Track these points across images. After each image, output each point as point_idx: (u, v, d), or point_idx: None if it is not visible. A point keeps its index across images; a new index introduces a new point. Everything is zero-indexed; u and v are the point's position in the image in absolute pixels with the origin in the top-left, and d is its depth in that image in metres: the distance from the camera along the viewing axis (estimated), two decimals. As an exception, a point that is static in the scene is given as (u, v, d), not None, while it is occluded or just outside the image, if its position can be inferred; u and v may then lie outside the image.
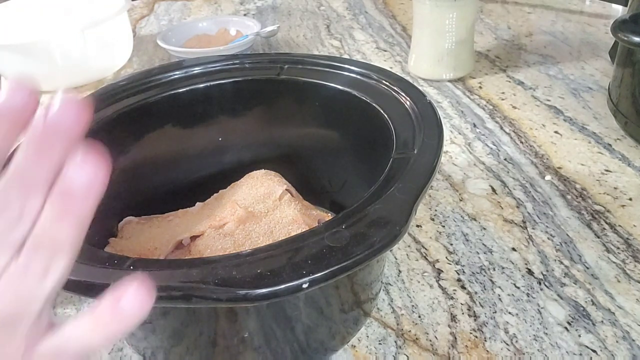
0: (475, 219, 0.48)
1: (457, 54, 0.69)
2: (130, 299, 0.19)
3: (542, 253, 0.44)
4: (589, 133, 0.58)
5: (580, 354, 0.36)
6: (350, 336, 0.37)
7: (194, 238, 0.38)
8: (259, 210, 0.39)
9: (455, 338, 0.37)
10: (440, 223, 0.48)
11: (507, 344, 0.37)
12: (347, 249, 0.25)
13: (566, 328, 0.37)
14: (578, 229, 0.46)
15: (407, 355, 0.36)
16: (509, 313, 0.39)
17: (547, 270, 0.42)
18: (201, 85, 0.44)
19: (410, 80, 0.41)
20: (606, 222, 0.46)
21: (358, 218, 0.27)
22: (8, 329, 0.19)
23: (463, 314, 0.39)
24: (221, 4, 1.09)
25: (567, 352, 0.36)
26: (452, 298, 0.40)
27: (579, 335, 0.37)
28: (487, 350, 0.36)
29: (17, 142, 0.19)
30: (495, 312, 0.39)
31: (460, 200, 0.50)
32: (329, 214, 0.44)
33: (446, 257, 0.44)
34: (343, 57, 0.78)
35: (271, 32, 0.84)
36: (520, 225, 0.47)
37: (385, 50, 0.82)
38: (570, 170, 0.53)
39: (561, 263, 0.43)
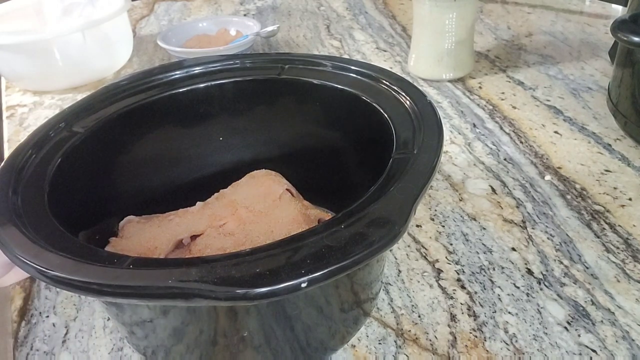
0: (475, 219, 0.48)
1: (456, 54, 0.69)
2: None
3: (542, 253, 0.44)
4: (589, 133, 0.58)
5: (580, 354, 0.36)
6: (350, 336, 0.37)
7: (194, 237, 0.38)
8: (259, 210, 0.39)
9: (455, 338, 0.37)
10: (440, 223, 0.48)
11: (506, 344, 0.37)
12: (346, 249, 0.25)
13: (566, 328, 0.37)
14: (578, 228, 0.46)
15: (407, 355, 0.36)
16: (509, 313, 0.39)
17: (547, 270, 0.42)
18: (202, 85, 0.44)
19: (410, 81, 0.41)
20: (606, 222, 0.46)
21: (357, 218, 0.27)
22: None
23: (463, 313, 0.39)
24: (221, 4, 1.09)
25: (566, 351, 0.36)
26: (451, 298, 0.40)
27: (579, 335, 0.37)
28: (487, 350, 0.36)
29: None
30: (495, 312, 0.39)
31: (460, 200, 0.50)
32: (329, 214, 0.44)
33: (446, 257, 0.44)
34: (343, 57, 0.78)
35: (271, 32, 0.84)
36: (520, 225, 0.47)
37: (385, 51, 0.83)
38: (570, 170, 0.53)
39: (561, 263, 0.43)
